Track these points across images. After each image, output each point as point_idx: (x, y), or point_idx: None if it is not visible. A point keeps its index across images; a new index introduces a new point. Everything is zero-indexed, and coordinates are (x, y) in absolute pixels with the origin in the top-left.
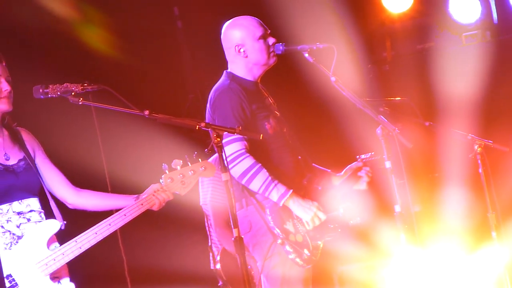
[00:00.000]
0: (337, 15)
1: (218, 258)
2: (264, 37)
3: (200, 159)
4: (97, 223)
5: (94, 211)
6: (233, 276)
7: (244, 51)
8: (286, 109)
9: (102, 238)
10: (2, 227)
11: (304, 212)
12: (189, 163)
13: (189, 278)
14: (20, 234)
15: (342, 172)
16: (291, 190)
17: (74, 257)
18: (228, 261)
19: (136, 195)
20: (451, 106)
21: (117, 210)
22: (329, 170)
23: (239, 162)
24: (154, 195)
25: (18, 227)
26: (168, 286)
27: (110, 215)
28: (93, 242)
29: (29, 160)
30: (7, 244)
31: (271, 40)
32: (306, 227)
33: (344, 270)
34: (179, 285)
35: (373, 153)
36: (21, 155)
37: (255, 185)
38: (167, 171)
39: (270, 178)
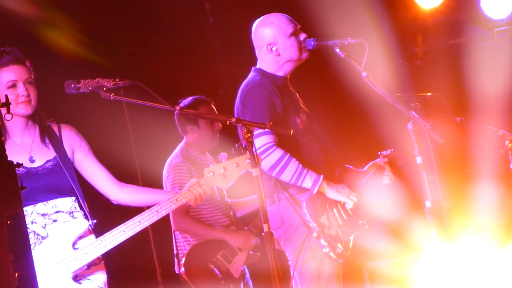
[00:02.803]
0: (369, 11)
1: (183, 261)
2: (295, 33)
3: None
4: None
5: (137, 206)
6: (197, 279)
7: (276, 49)
8: (317, 104)
9: (131, 235)
10: (27, 228)
11: (338, 193)
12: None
13: None
14: (45, 235)
15: (365, 168)
16: (322, 175)
17: (99, 255)
18: (193, 265)
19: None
20: (483, 102)
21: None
22: (351, 167)
23: (268, 155)
24: (190, 190)
25: (43, 227)
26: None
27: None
28: (121, 239)
29: (60, 159)
30: (31, 245)
31: (302, 36)
32: (339, 221)
33: (375, 266)
34: None
35: (392, 150)
36: (51, 155)
37: (286, 175)
38: (211, 164)
39: (300, 166)
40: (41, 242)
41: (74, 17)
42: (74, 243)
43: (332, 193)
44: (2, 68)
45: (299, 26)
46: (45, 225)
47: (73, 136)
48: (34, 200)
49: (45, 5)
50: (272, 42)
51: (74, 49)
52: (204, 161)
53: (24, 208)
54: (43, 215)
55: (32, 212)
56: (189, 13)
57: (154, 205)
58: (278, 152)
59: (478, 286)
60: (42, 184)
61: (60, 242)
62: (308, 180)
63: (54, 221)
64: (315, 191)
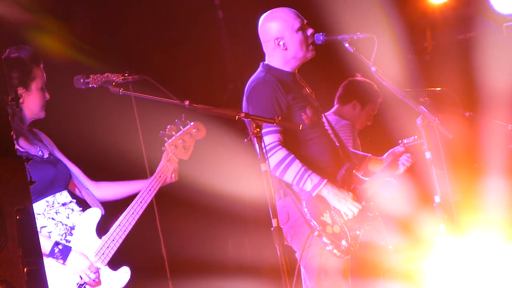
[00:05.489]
0: (378, 5)
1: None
2: (302, 28)
3: (189, 121)
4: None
5: (114, 200)
6: None
7: (283, 44)
8: (325, 99)
9: (138, 216)
10: (53, 219)
11: (338, 202)
12: (181, 127)
13: (229, 269)
14: (71, 225)
15: (385, 156)
16: (325, 180)
17: (122, 241)
18: None
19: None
20: (492, 96)
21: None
22: (369, 155)
23: (272, 155)
24: (163, 171)
25: (68, 218)
26: (207, 277)
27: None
28: (133, 222)
29: (54, 156)
30: (62, 235)
31: (309, 31)
32: (344, 217)
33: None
34: (219, 276)
35: (416, 136)
36: (47, 152)
37: (288, 177)
38: (166, 139)
39: (303, 168)
40: (71, 233)
41: (71, 19)
42: (96, 231)
43: (333, 201)
44: (38, 67)
45: (305, 21)
46: (68, 215)
47: (49, 140)
48: (54, 190)
49: (37, 10)
50: (279, 36)
51: (74, 56)
52: None
53: (45, 199)
54: (63, 204)
55: (53, 202)
56: (198, 8)
57: (133, 194)
58: (281, 152)
59: (487, 280)
60: (59, 174)
61: (86, 231)
62: (309, 184)
63: (72, 210)
64: (314, 194)
